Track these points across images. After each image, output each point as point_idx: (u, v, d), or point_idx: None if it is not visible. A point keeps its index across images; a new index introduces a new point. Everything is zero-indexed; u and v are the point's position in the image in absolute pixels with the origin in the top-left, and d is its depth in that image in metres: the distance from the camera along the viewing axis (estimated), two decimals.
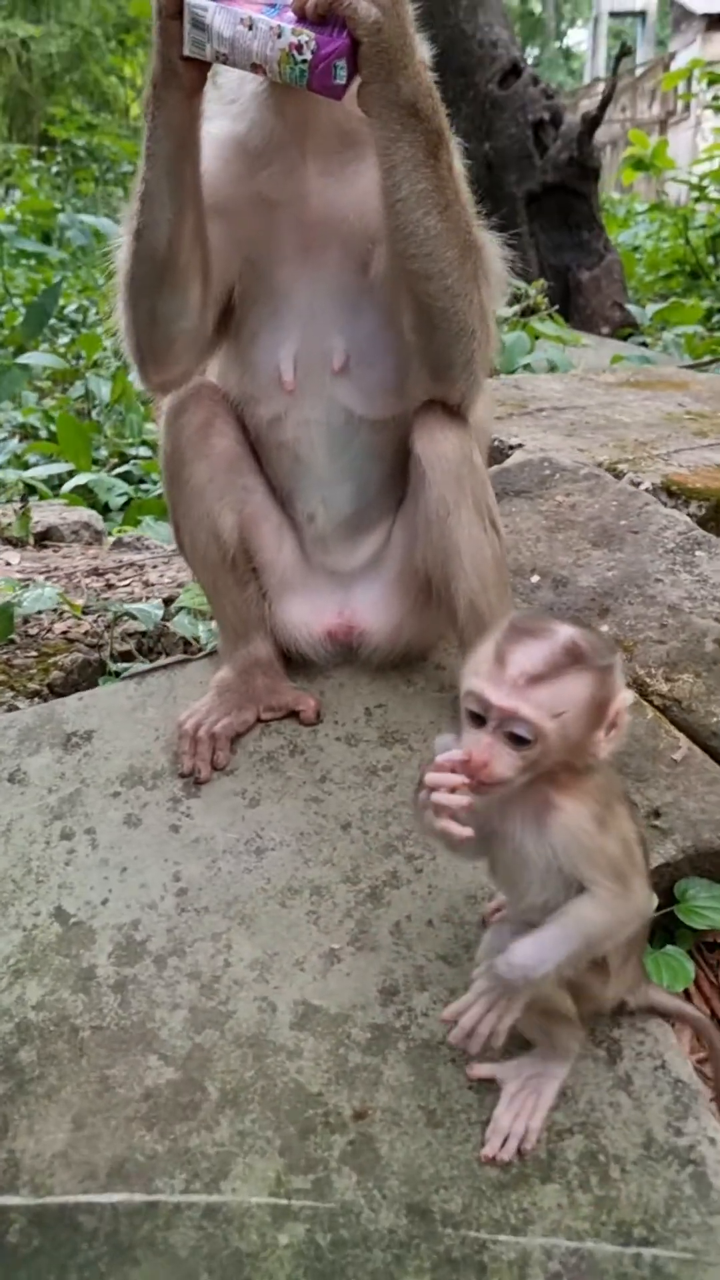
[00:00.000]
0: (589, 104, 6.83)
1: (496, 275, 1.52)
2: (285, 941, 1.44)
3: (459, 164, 1.46)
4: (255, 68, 1.25)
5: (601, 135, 7.44)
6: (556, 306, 5.79)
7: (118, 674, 2.17)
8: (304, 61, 1.22)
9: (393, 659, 1.79)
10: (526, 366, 4.20)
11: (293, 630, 1.77)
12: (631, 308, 6.60)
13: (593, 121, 6.41)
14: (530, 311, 5.46)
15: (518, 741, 1.04)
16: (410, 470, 1.62)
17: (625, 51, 6.99)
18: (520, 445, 2.77)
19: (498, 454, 2.75)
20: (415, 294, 1.45)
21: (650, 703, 1.96)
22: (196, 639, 2.28)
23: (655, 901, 1.24)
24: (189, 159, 1.39)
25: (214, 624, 1.93)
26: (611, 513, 2.39)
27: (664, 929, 1.67)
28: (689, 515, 2.45)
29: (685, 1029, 1.45)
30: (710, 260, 8.26)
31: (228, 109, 1.48)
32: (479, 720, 1.06)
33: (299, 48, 1.21)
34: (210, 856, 1.56)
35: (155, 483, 3.79)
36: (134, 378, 1.62)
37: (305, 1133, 1.22)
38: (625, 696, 1.11)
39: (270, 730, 1.75)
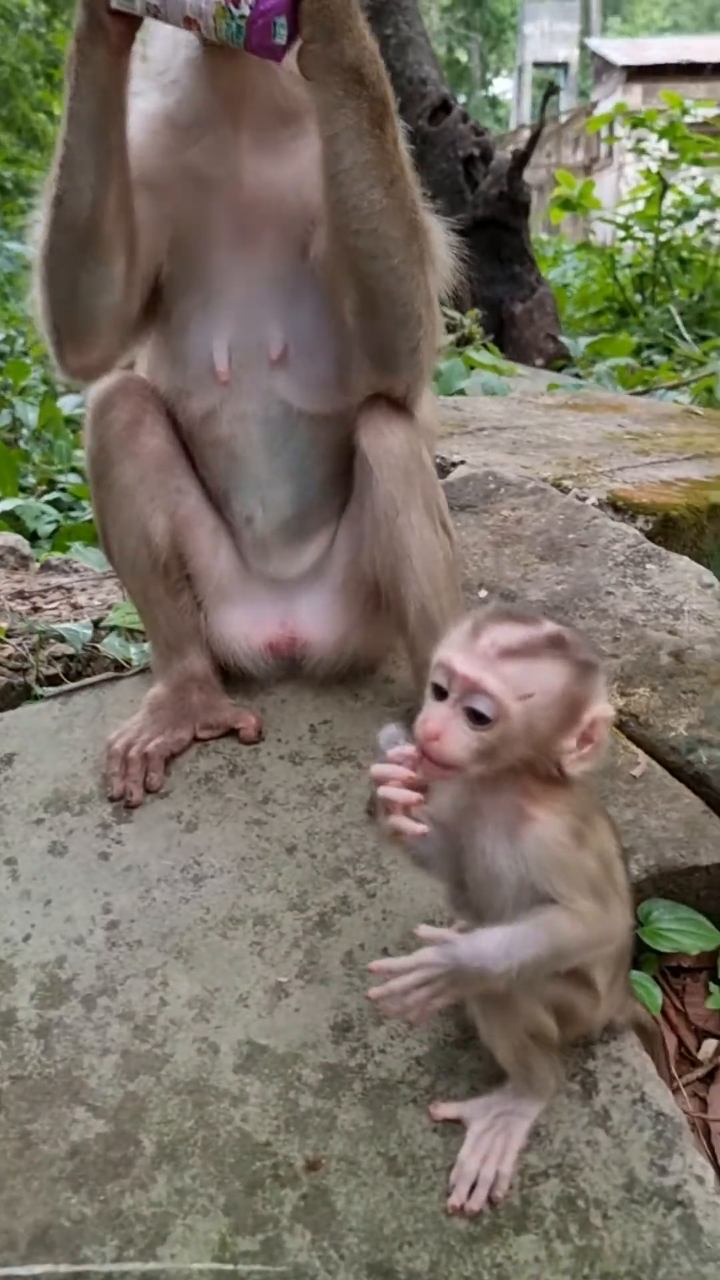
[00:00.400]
0: (517, 148, 6.91)
1: (442, 261, 1.45)
2: (227, 976, 1.31)
3: (404, 141, 1.39)
4: (188, 22, 1.16)
5: (529, 178, 7.56)
6: (491, 336, 5.81)
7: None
8: (241, 17, 1.13)
9: (338, 672, 1.68)
10: (461, 391, 4.17)
11: (231, 643, 1.66)
12: (564, 340, 6.66)
13: (522, 157, 6.49)
14: (465, 341, 5.46)
15: (477, 719, 0.95)
16: (356, 469, 1.52)
17: (553, 90, 7.11)
18: (463, 461, 2.72)
19: (440, 470, 2.68)
20: (358, 276, 1.37)
21: None
22: (128, 661, 2.15)
23: (631, 922, 1.14)
24: (114, 121, 1.29)
25: (147, 645, 1.81)
26: (559, 526, 2.33)
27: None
28: (637, 530, 2.40)
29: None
30: (638, 298, 8.42)
31: (157, 81, 1.40)
32: (441, 694, 0.98)
33: (236, 1, 1.13)
34: (143, 886, 1.43)
35: (85, 509, 3.65)
36: (52, 364, 1.50)
37: (252, 1188, 1.09)
38: (605, 709, 1.00)
39: (208, 750, 1.63)
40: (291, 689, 1.71)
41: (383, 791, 1.02)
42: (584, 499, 2.49)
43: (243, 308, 1.48)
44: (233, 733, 1.64)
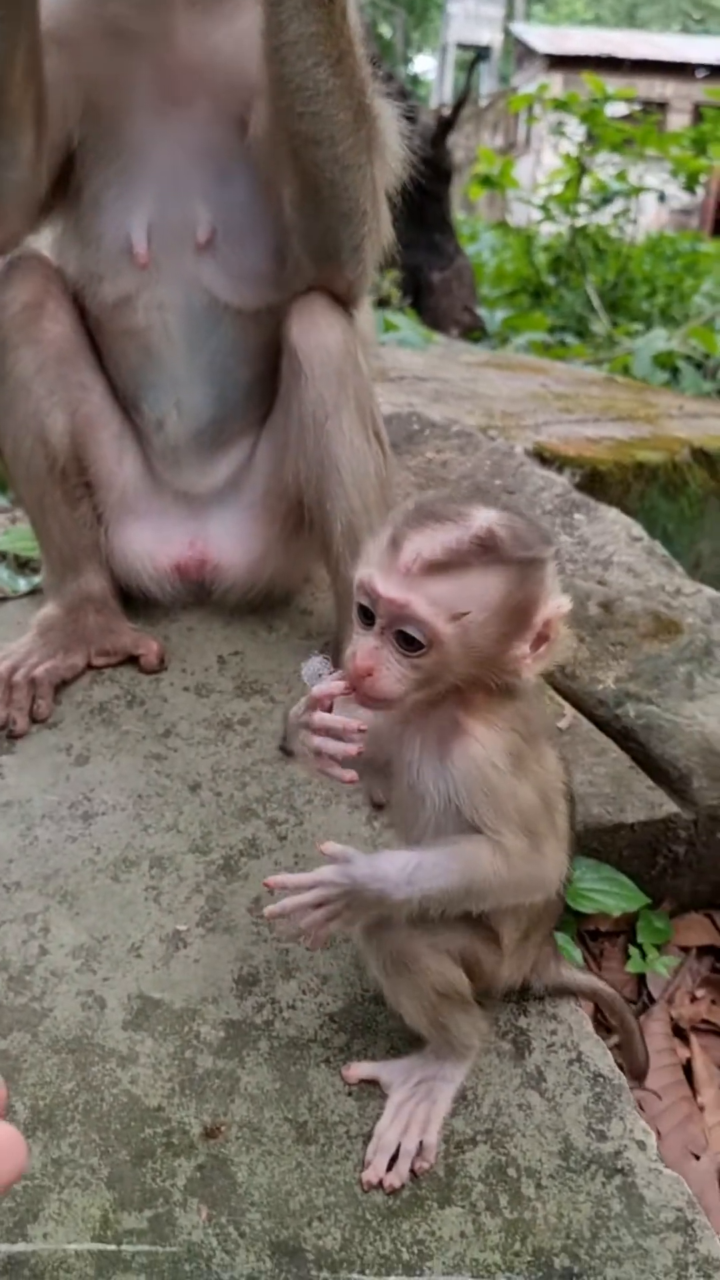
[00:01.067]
0: (443, 111, 6.80)
1: (392, 152, 1.32)
2: (118, 923, 1.16)
3: (355, 15, 1.24)
4: None
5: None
6: (409, 301, 5.70)
7: None
8: None
9: (252, 600, 1.53)
10: (380, 344, 4.04)
11: (133, 561, 1.50)
12: (481, 312, 6.59)
13: (447, 122, 6.38)
14: (383, 302, 5.33)
15: (409, 645, 0.82)
16: (284, 368, 1.37)
17: (479, 59, 7.01)
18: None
19: None
20: (300, 162, 1.23)
21: None
22: (15, 592, 1.96)
23: (566, 872, 1.02)
24: None
25: (39, 575, 1.63)
26: (485, 471, 2.22)
27: None
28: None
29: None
30: (552, 281, 8.41)
31: None
32: (368, 618, 0.85)
33: None
34: (25, 823, 1.27)
35: None
36: None
37: (141, 1158, 0.95)
38: (559, 603, 0.88)
39: (103, 678, 1.47)
40: (200, 617, 1.56)
41: (318, 743, 0.91)
42: (511, 448, 2.39)
43: (167, 183, 1.31)
44: (132, 660, 1.48)
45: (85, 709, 1.42)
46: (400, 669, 0.83)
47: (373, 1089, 1.01)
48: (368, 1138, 0.96)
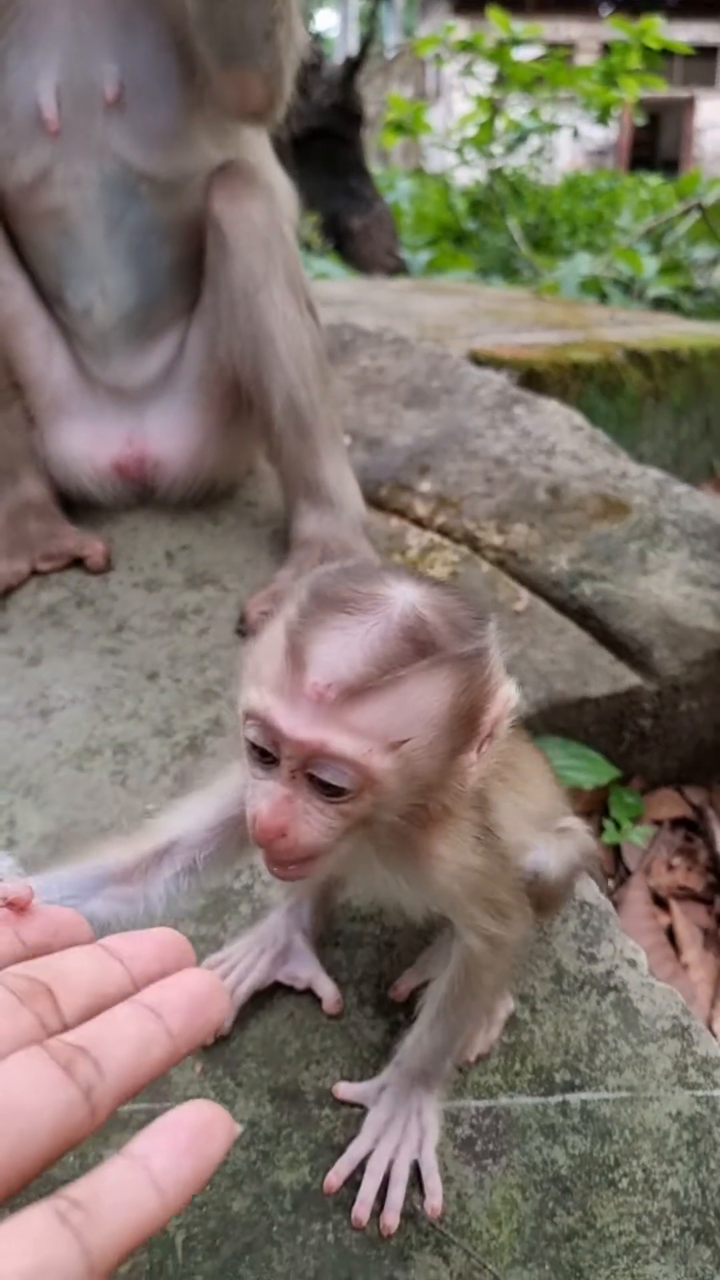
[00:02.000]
0: (348, 55, 6.69)
1: None
2: (85, 810, 1.13)
3: None
4: None
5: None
6: (332, 245, 5.63)
7: None
8: None
9: (195, 494, 1.50)
10: None
11: (71, 464, 1.45)
12: (404, 256, 6.54)
13: (354, 64, 6.29)
14: (306, 247, 5.26)
15: (330, 791, 0.60)
16: (209, 243, 1.33)
17: (379, 1, 6.90)
18: None
19: None
20: None
21: (484, 556, 1.78)
22: None
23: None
24: None
25: None
26: (422, 374, 2.20)
27: None
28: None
29: None
30: (472, 226, 8.35)
31: None
32: (267, 759, 0.61)
33: None
34: None
35: None
36: None
37: None
38: (509, 695, 0.67)
39: (49, 583, 1.42)
40: (144, 516, 1.52)
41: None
42: (446, 352, 2.36)
43: (70, 40, 1.25)
44: (78, 563, 1.44)
45: (34, 614, 1.38)
46: (322, 819, 0.61)
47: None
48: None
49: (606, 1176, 0.82)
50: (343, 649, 0.59)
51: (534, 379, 2.38)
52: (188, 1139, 0.42)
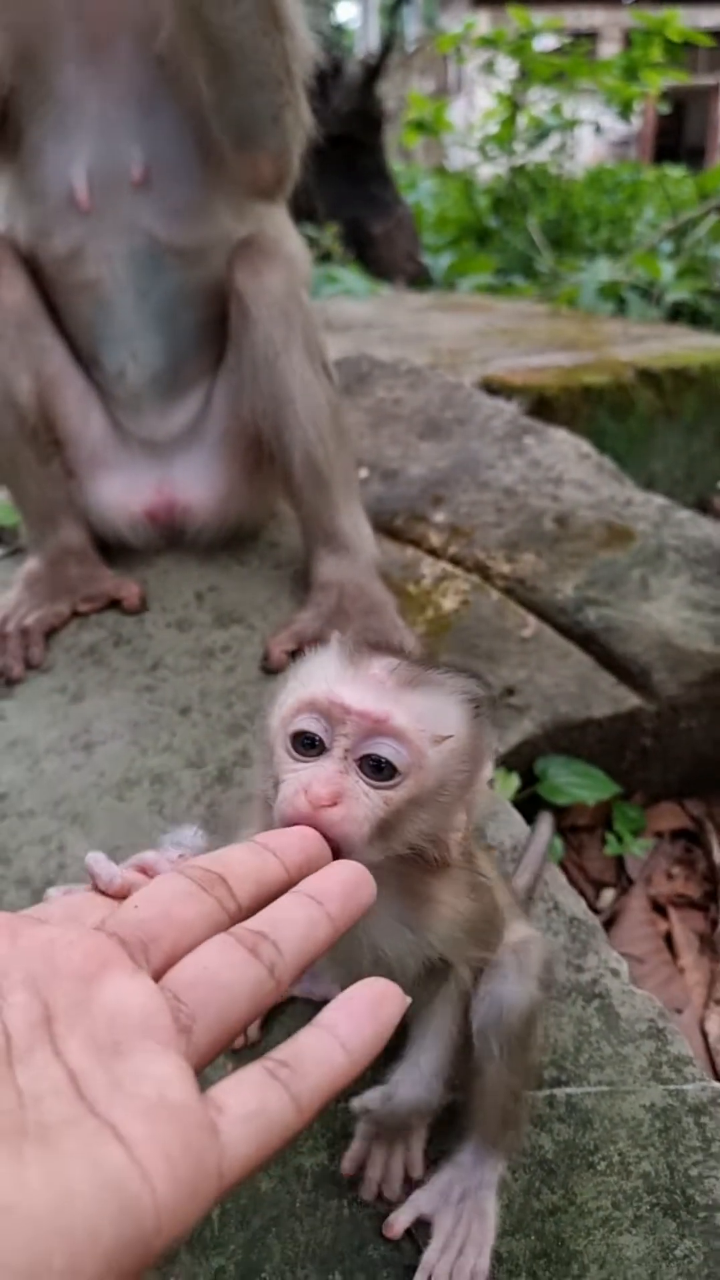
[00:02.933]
0: (369, 59, 6.76)
1: (301, 31, 1.32)
2: (127, 835, 1.26)
3: None
4: None
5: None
6: (353, 255, 5.72)
7: None
8: None
9: (222, 537, 1.63)
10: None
11: (107, 512, 1.58)
12: (425, 260, 6.61)
13: (374, 69, 6.36)
14: (325, 258, 5.36)
15: (379, 772, 0.64)
16: (232, 312, 1.46)
17: (401, 1, 6.97)
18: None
19: None
20: (205, 38, 1.25)
21: (494, 585, 1.89)
22: None
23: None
24: None
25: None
26: (436, 405, 2.31)
27: (525, 807, 1.61)
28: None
29: None
30: (494, 223, 8.40)
31: None
32: (311, 746, 0.66)
33: None
34: (31, 758, 1.36)
35: None
36: None
37: None
38: (490, 768, 0.75)
39: (89, 623, 1.56)
40: (174, 559, 1.65)
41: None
42: (459, 381, 2.47)
43: (99, 126, 1.38)
44: (115, 605, 1.57)
45: (75, 652, 1.51)
46: (368, 801, 0.64)
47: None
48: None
49: (587, 1160, 0.94)
50: (388, 659, 0.68)
51: (544, 405, 2.48)
52: (366, 1008, 0.50)
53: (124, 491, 1.58)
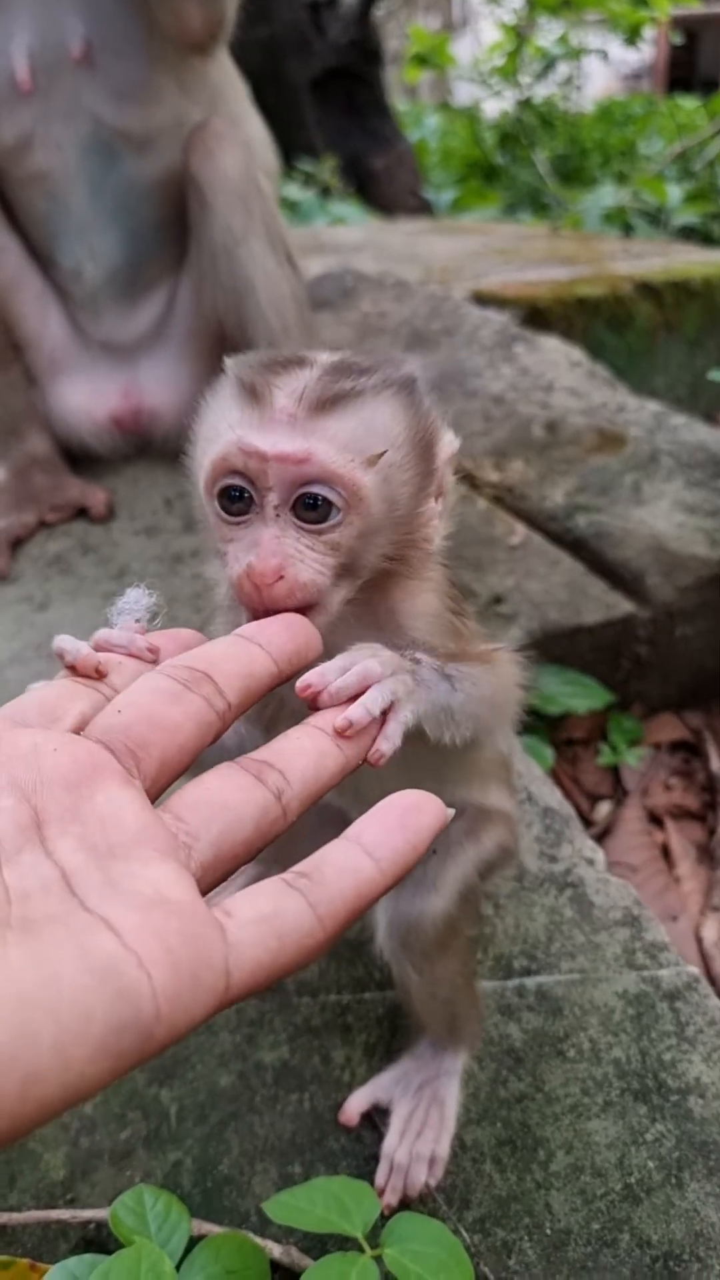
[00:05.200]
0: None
1: None
2: None
3: None
4: None
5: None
6: (353, 190, 5.59)
7: None
8: None
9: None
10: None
11: (72, 419, 1.53)
12: (428, 195, 6.46)
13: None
14: (325, 192, 5.24)
15: (318, 516, 0.58)
16: (190, 201, 1.39)
17: None
18: None
19: None
20: None
21: (481, 493, 1.83)
22: None
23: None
24: None
25: None
26: (422, 317, 2.23)
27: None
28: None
29: None
30: (501, 159, 8.19)
31: None
32: (239, 501, 0.59)
33: None
34: None
35: None
36: None
37: None
38: (450, 439, 0.67)
39: (56, 533, 1.51)
40: (143, 467, 1.60)
41: None
42: (448, 293, 2.39)
43: (36, 3, 1.30)
44: (82, 513, 1.52)
45: (42, 562, 1.47)
46: (314, 555, 0.59)
47: None
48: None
49: (556, 1048, 0.90)
50: (295, 380, 0.59)
51: (537, 317, 2.40)
52: (396, 817, 0.47)
53: (88, 397, 1.52)
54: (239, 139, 1.36)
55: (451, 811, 0.48)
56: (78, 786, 0.44)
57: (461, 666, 0.64)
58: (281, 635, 0.55)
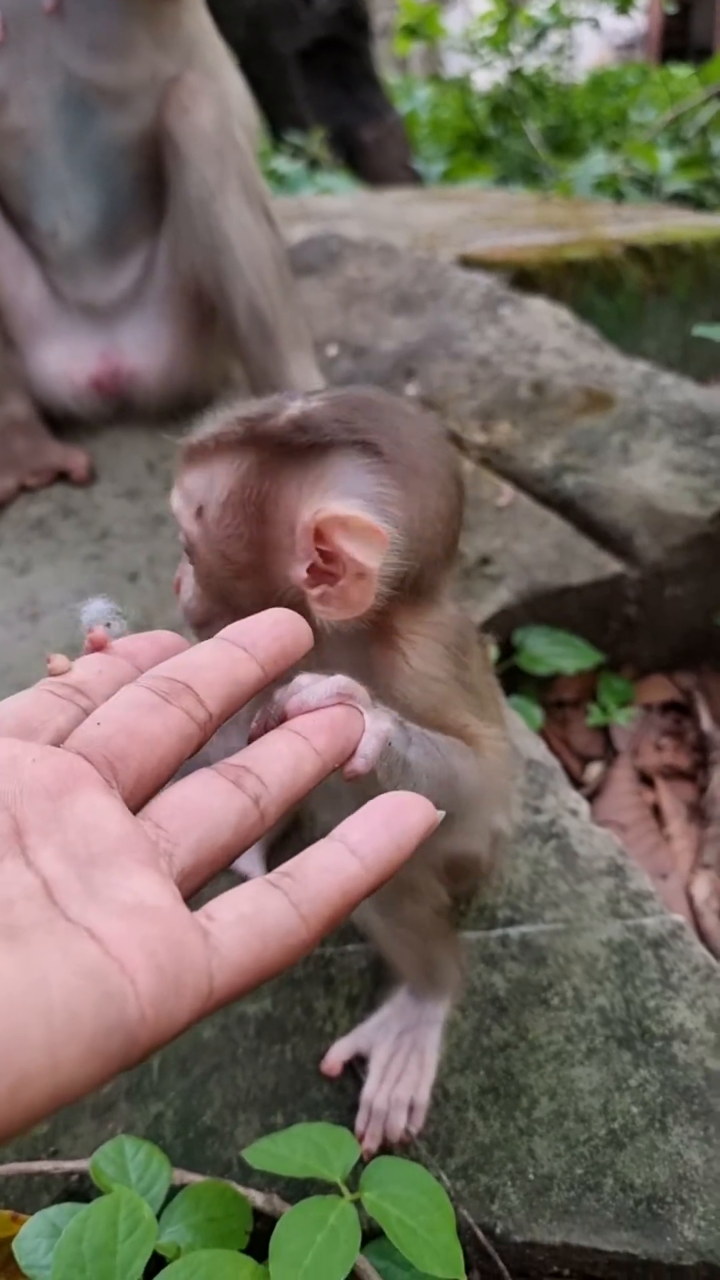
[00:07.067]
0: None
1: None
2: None
3: None
4: None
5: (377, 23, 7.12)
6: (342, 162, 5.53)
7: None
8: None
9: (173, 405, 1.55)
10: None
11: (51, 382, 1.51)
12: (419, 167, 6.40)
13: None
14: (314, 164, 5.19)
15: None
16: (165, 157, 1.37)
17: None
18: None
19: None
20: None
21: (468, 455, 1.81)
22: None
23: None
24: None
25: None
26: (408, 281, 2.21)
27: (505, 680, 1.55)
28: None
29: None
30: (493, 131, 8.11)
31: None
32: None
33: None
34: None
35: None
36: None
37: None
38: (331, 510, 0.58)
39: (37, 497, 1.50)
40: (124, 430, 1.58)
41: None
42: (434, 257, 2.37)
43: None
44: (63, 477, 1.50)
45: (23, 526, 1.45)
46: (189, 580, 0.67)
47: None
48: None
49: (540, 996, 0.89)
50: (216, 422, 0.64)
51: (525, 280, 2.37)
52: (382, 817, 0.47)
53: (67, 360, 1.50)
54: (214, 93, 1.34)
55: (441, 814, 0.48)
56: (58, 796, 0.44)
57: (430, 734, 0.63)
58: (266, 634, 0.55)
